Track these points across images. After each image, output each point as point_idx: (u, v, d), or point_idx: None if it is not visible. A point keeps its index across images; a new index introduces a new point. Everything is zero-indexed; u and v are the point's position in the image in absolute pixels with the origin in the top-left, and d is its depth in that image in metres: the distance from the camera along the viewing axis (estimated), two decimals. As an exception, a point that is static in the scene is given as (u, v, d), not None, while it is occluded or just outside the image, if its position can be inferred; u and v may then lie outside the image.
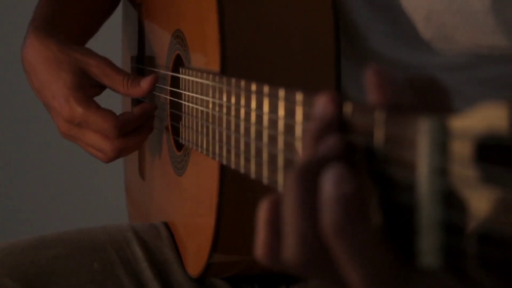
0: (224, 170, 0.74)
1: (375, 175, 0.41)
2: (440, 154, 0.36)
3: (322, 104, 0.45)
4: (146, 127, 0.92)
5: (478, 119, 0.35)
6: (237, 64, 0.72)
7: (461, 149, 0.35)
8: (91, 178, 1.94)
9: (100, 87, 0.91)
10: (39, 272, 0.86)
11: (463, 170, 0.35)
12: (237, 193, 0.75)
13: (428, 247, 0.37)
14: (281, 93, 0.53)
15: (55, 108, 0.90)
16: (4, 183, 1.98)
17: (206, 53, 0.76)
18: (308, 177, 0.42)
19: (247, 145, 0.60)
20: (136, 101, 1.04)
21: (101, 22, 1.06)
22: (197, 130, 0.75)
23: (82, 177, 1.95)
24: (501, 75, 0.77)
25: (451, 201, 0.36)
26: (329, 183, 0.40)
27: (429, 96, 0.41)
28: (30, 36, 0.92)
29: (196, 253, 0.82)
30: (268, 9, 0.74)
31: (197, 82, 0.75)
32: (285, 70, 0.73)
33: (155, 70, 0.96)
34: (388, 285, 0.39)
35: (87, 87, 0.89)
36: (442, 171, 0.36)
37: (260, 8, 0.74)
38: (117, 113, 0.89)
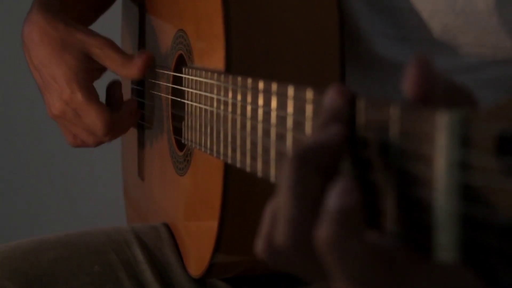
0: (228, 170, 0.73)
1: (390, 171, 0.41)
2: (459, 147, 0.36)
3: (331, 96, 0.45)
4: (130, 124, 0.94)
5: (498, 112, 0.35)
6: (241, 63, 0.72)
7: (481, 142, 0.35)
8: (90, 180, 1.93)
9: (101, 70, 0.92)
10: (40, 274, 0.85)
11: (483, 163, 0.35)
12: (241, 194, 0.75)
13: (447, 242, 0.37)
14: (291, 91, 0.53)
15: (54, 89, 0.90)
16: (3, 185, 1.97)
17: (210, 53, 0.76)
18: (302, 163, 0.42)
19: (254, 143, 0.60)
20: (136, 91, 1.04)
21: (101, 10, 1.06)
22: (200, 130, 0.75)
23: (81, 179, 1.94)
24: (505, 77, 0.77)
25: (470, 194, 0.36)
26: (335, 195, 0.40)
27: (458, 101, 0.41)
28: (36, 13, 0.91)
29: (198, 253, 0.82)
30: (273, 8, 0.74)
31: (201, 81, 0.74)
32: (290, 70, 0.73)
33: (158, 70, 0.96)
34: None
35: (90, 71, 0.90)
36: (461, 164, 0.36)
37: (265, 7, 0.73)
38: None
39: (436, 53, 0.77)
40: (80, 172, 1.92)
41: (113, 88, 0.95)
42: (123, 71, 0.90)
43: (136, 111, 0.95)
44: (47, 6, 0.92)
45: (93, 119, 0.88)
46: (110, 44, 0.90)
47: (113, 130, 0.90)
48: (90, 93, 0.89)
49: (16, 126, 1.94)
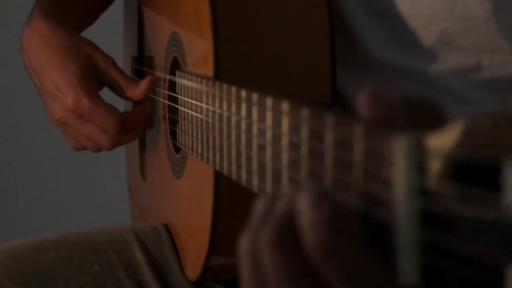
0: (219, 174, 0.73)
1: (355, 192, 0.40)
2: (417, 173, 0.36)
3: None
4: (142, 127, 0.94)
5: (454, 136, 0.34)
6: (230, 69, 0.72)
7: (438, 168, 0.35)
8: (94, 179, 1.94)
9: (101, 84, 0.92)
10: (40, 274, 0.86)
11: (441, 189, 0.35)
12: (233, 196, 0.74)
13: (408, 266, 0.37)
14: (269, 102, 0.52)
15: (56, 95, 0.90)
16: (5, 184, 1.98)
17: (200, 57, 0.75)
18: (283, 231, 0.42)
19: (239, 152, 0.60)
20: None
21: (101, 11, 1.06)
22: (192, 135, 0.75)
23: (84, 178, 1.95)
24: (501, 79, 0.76)
25: (429, 220, 0.35)
26: (306, 208, 0.40)
27: (424, 115, 0.40)
28: (38, 18, 0.92)
29: (194, 256, 0.82)
30: (263, 13, 0.73)
31: (192, 87, 0.74)
32: (280, 75, 0.73)
33: (153, 72, 0.95)
34: None
35: (92, 81, 0.90)
36: (419, 190, 0.36)
37: (255, 12, 0.73)
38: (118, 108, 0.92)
39: (433, 56, 0.76)
40: (84, 171, 1.92)
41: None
42: (125, 93, 0.92)
43: (147, 118, 0.96)
44: (49, 12, 0.92)
45: (104, 119, 0.88)
46: (114, 63, 0.92)
47: (125, 127, 0.91)
48: (96, 98, 0.89)
49: (18, 125, 1.95)
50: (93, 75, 0.90)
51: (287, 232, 0.42)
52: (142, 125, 0.94)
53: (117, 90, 0.92)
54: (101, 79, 0.91)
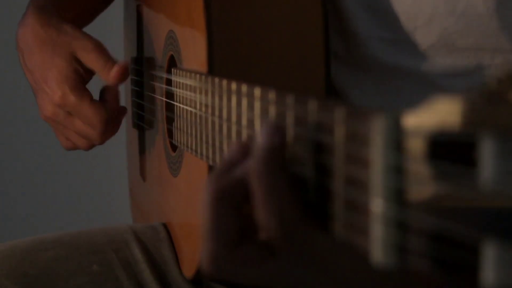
0: (212, 170, 0.73)
1: (335, 172, 0.41)
2: (394, 152, 0.36)
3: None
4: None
5: (431, 116, 0.34)
6: (224, 66, 0.72)
7: (415, 147, 0.35)
8: (94, 179, 1.94)
9: (91, 72, 0.92)
10: (38, 273, 0.86)
11: (417, 167, 0.35)
12: None
13: (382, 245, 0.37)
14: (257, 92, 0.53)
15: (45, 92, 0.90)
16: (5, 184, 1.98)
17: (195, 55, 0.76)
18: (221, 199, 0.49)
19: (230, 146, 0.60)
20: (135, 92, 1.05)
21: (97, 11, 1.06)
22: (187, 132, 0.75)
23: (84, 178, 1.95)
24: None
25: (405, 199, 0.36)
26: (263, 135, 0.46)
27: None
28: (30, 15, 0.92)
29: (190, 254, 0.82)
30: (256, 11, 0.73)
31: (186, 83, 0.75)
32: (273, 73, 0.73)
33: (153, 72, 0.96)
34: (292, 238, 0.45)
35: (80, 72, 0.90)
36: (396, 169, 0.36)
37: (248, 10, 0.73)
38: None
39: (433, 56, 0.76)
40: (82, 172, 1.92)
41: (106, 92, 0.94)
42: (103, 76, 0.91)
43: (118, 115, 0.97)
44: (42, 9, 0.92)
45: (89, 116, 0.89)
46: (97, 47, 0.90)
47: (111, 126, 0.91)
48: (83, 94, 0.89)
49: (17, 125, 1.95)
50: (79, 64, 0.90)
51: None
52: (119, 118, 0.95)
53: (99, 75, 0.91)
54: (85, 69, 0.91)
